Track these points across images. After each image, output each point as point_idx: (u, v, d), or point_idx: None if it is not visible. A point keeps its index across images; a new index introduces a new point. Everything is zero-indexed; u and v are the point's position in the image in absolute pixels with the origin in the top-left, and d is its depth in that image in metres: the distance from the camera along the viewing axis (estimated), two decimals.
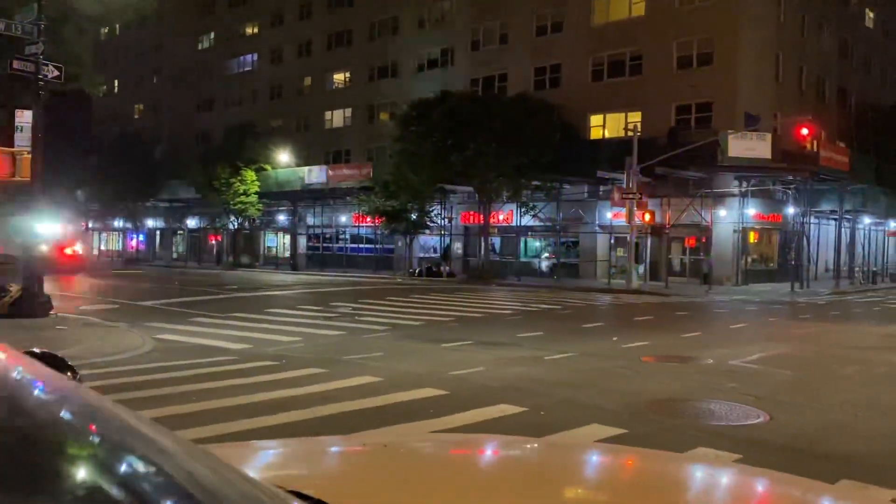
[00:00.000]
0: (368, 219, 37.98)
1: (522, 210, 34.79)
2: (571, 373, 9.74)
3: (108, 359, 10.11)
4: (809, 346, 12.90)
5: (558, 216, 34.09)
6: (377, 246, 41.59)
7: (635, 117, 33.22)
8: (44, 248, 16.71)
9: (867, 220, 36.55)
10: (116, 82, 63.81)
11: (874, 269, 36.82)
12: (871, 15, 43.30)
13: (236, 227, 46.76)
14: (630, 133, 28.69)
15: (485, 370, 9.65)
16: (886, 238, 40.59)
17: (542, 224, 35.07)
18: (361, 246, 43.54)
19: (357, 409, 7.25)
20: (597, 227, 34.13)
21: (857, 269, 34.82)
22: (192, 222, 53.62)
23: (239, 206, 43.66)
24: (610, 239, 33.47)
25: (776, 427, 6.92)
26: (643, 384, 8.99)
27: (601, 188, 32.79)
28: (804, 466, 5.55)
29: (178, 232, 56.52)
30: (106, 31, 62.20)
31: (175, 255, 55.31)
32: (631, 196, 26.90)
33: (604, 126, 36.05)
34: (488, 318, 16.48)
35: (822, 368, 10.57)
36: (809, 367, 10.67)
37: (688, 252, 32.75)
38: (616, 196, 28.18)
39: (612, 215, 31.84)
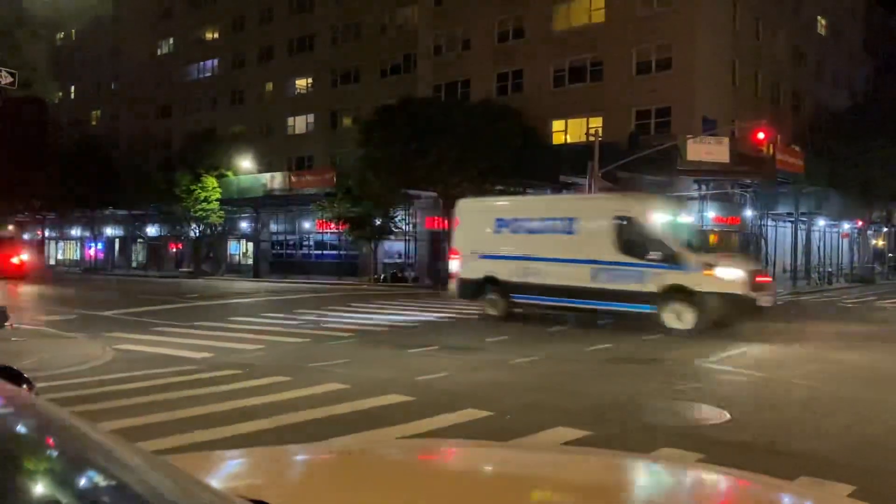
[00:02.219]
0: (332, 225, 37.77)
1: None
2: (537, 376, 9.80)
3: (67, 370, 9.88)
4: (770, 345, 13.16)
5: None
6: (341, 252, 41.38)
7: (596, 122, 33.60)
8: None
9: (822, 222, 37.47)
10: (73, 88, 62.58)
11: (829, 269, 37.76)
12: (823, 22, 44.51)
13: (197, 234, 46.10)
14: (591, 138, 29.00)
15: (451, 375, 9.65)
16: (840, 239, 41.67)
17: None
18: (325, 252, 43.27)
19: (322, 417, 7.20)
20: None
21: (812, 269, 35.65)
22: (151, 230, 52.71)
23: (200, 213, 43.06)
24: None
25: (737, 426, 7.05)
26: (608, 386, 9.08)
27: (564, 192, 33.06)
28: (764, 464, 5.66)
29: (138, 240, 55.53)
30: (62, 36, 61.00)
31: (135, 264, 54.31)
32: None
33: (566, 131, 36.39)
34: (454, 323, 16.49)
35: (782, 367, 10.79)
36: (769, 366, 10.88)
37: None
38: None
39: None
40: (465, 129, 30.63)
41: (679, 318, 14.26)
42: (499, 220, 17.31)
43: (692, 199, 31.74)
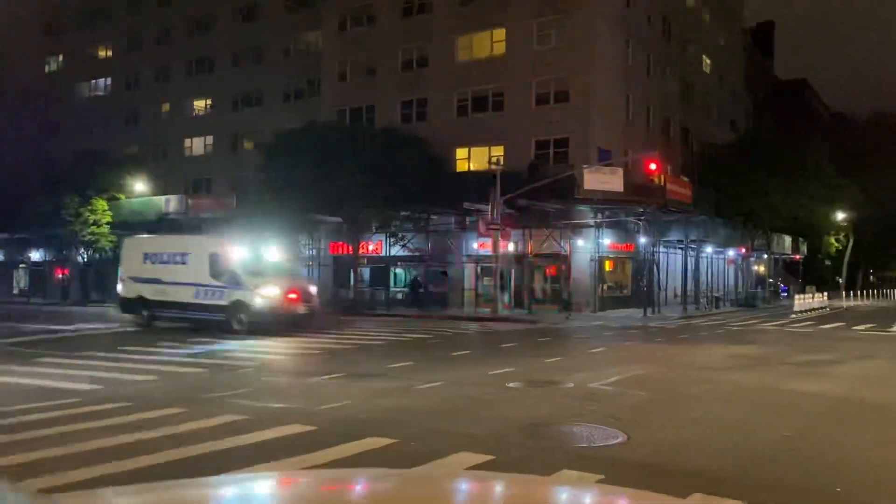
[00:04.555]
0: None
1: (392, 240, 34.92)
2: (440, 402, 9.79)
3: None
4: (662, 367, 13.68)
5: (427, 246, 34.50)
6: None
7: (498, 151, 34.34)
8: None
9: (709, 249, 39.54)
10: None
11: (717, 294, 39.82)
12: (708, 61, 47.40)
13: (86, 260, 43.77)
14: (494, 166, 29.61)
15: (354, 403, 9.51)
16: (726, 266, 44.08)
17: (411, 254, 35.34)
18: None
19: (219, 450, 6.92)
20: (464, 257, 34.81)
21: (701, 294, 37.48)
22: (35, 255, 49.64)
23: (89, 237, 40.95)
24: (476, 268, 34.23)
25: (634, 446, 7.26)
26: (510, 410, 9.17)
27: (468, 219, 33.55)
28: (660, 482, 5.84)
29: (21, 265, 52.17)
30: None
31: (16, 291, 50.94)
32: (495, 227, 27.70)
33: (469, 159, 36.99)
34: (357, 350, 16.30)
35: (675, 388, 11.22)
36: (663, 387, 11.30)
37: (549, 280, 34.05)
38: (482, 227, 28.92)
39: (478, 245, 32.62)
40: (371, 155, 30.62)
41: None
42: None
43: (589, 226, 32.84)
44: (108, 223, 40.85)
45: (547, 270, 34.01)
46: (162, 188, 43.17)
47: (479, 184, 30.30)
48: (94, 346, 16.71)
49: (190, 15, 48.33)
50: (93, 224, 40.51)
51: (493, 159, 31.76)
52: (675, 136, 41.49)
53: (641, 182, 30.50)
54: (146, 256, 22.73)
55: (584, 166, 30.31)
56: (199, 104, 48.82)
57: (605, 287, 34.18)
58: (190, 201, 39.88)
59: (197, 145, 48.24)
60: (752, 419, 8.89)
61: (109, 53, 53.17)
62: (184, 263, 21.52)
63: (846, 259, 59.61)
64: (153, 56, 49.68)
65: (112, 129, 50.59)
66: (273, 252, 22.58)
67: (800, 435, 7.98)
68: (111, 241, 41.77)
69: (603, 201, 31.08)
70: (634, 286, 35.38)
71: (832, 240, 57.16)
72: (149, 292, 22.21)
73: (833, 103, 78.34)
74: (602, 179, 30.10)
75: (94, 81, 53.69)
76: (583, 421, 8.48)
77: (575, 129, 33.67)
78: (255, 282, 20.13)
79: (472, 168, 36.33)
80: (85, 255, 43.37)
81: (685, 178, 36.30)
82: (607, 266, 34.61)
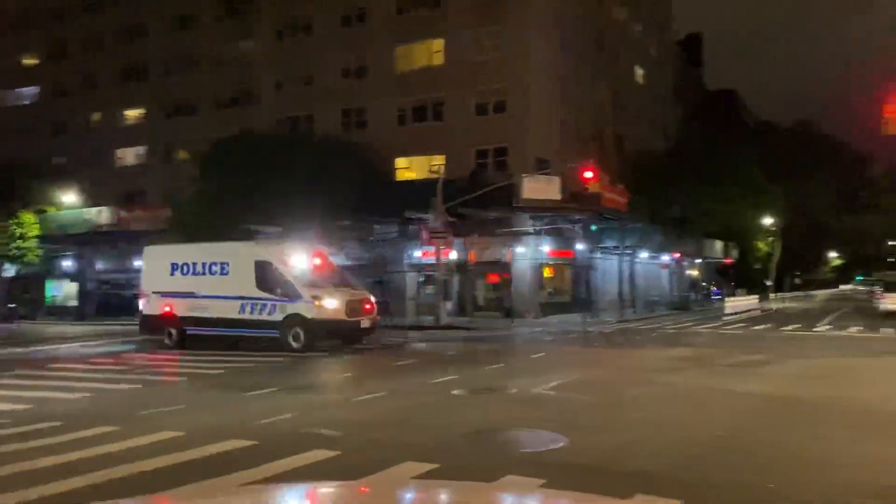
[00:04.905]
0: None
1: (333, 250, 34.59)
2: (383, 412, 9.74)
3: None
4: (602, 371, 13.92)
5: (368, 256, 34.31)
6: None
7: (439, 160, 34.49)
8: None
9: (644, 254, 40.49)
10: None
11: (652, 298, 40.78)
12: (640, 72, 48.65)
13: (12, 274, 41.99)
14: (434, 175, 29.71)
15: (294, 416, 9.37)
16: (660, 270, 45.19)
17: (352, 264, 35.06)
18: None
19: (156, 468, 6.72)
20: (406, 266, 34.76)
21: (638, 299, 38.33)
22: None
23: (14, 251, 39.32)
24: (419, 277, 34.22)
25: (576, 449, 7.36)
26: (453, 418, 9.19)
27: (409, 228, 33.53)
28: (603, 484, 5.95)
29: None
30: None
31: None
32: (437, 236, 27.77)
33: (410, 168, 37.02)
34: (295, 363, 16.08)
35: (615, 391, 11.44)
36: (604, 391, 11.50)
37: (491, 288, 34.29)
38: (424, 236, 28.95)
39: (420, 254, 32.63)
40: (310, 165, 30.33)
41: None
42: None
43: (528, 233, 33.24)
44: (35, 236, 39.31)
45: (489, 278, 34.26)
46: (93, 200, 41.78)
47: (421, 192, 30.36)
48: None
49: (120, 22, 47.04)
50: (19, 237, 38.93)
51: (434, 168, 31.89)
52: (609, 144, 42.38)
53: (578, 190, 31.06)
54: (174, 267, 20.02)
55: (523, 175, 30.70)
56: (132, 114, 47.53)
57: (546, 293, 34.61)
58: (122, 213, 38.72)
59: (129, 156, 46.92)
60: (690, 419, 9.13)
61: (35, 61, 51.32)
62: (224, 274, 19.09)
63: (774, 262, 61.84)
64: (81, 64, 48.13)
65: (39, 139, 48.71)
66: (324, 257, 20.51)
67: (734, 433, 8.23)
68: (38, 256, 40.24)
69: (542, 209, 31.51)
70: (574, 292, 35.94)
71: (761, 244, 59.26)
72: (180, 308, 19.56)
73: (759, 112, 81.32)
74: (540, 188, 30.54)
75: (17, 90, 51.70)
76: (526, 426, 8.56)
77: (513, 138, 34.08)
78: (313, 293, 17.98)
79: (413, 177, 36.36)
80: (11, 270, 41.61)
81: (620, 186, 37.12)
82: (547, 273, 35.07)
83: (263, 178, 30.07)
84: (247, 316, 18.36)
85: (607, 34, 42.60)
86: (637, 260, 39.35)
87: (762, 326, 27.56)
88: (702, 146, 45.28)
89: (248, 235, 34.43)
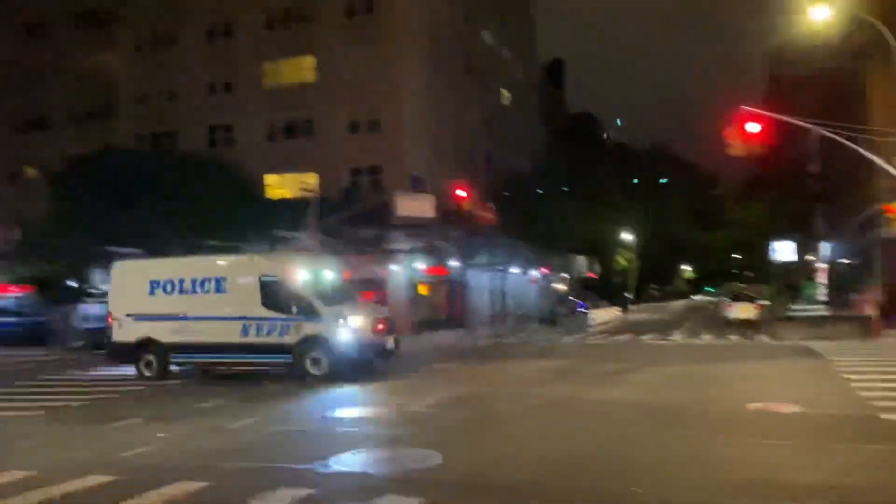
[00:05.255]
0: (13, 287, 33.13)
1: None
2: (256, 439, 9.47)
3: None
4: (477, 386, 14.15)
5: None
6: (25, 318, 36.27)
7: (312, 178, 34.07)
8: None
9: (515, 269, 41.69)
10: None
11: (523, 312, 42.00)
12: (507, 94, 50.32)
13: None
14: (307, 193, 29.31)
15: (161, 448, 8.93)
16: (530, 285, 46.66)
17: None
18: (3, 320, 37.60)
19: None
20: None
21: (509, 314, 39.34)
22: None
23: None
24: None
25: (452, 465, 7.47)
26: (328, 441, 9.07)
27: (279, 248, 32.78)
28: (476, 500, 6.07)
29: None
30: None
31: None
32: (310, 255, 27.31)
33: (282, 186, 36.32)
34: (162, 391, 15.31)
35: (489, 406, 11.68)
36: (478, 405, 11.71)
37: None
38: None
39: None
40: (175, 183, 29.11)
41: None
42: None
43: (405, 251, 33.41)
44: None
45: (363, 297, 34.02)
46: None
47: (294, 211, 29.82)
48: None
49: None
50: None
51: (307, 186, 31.40)
52: (480, 164, 43.46)
53: (451, 208, 31.60)
54: (155, 285, 17.28)
55: (398, 193, 30.90)
56: None
57: (421, 310, 34.83)
58: None
59: None
60: (560, 430, 9.47)
61: None
62: (220, 292, 16.62)
63: (633, 275, 65.40)
64: None
65: None
66: (330, 271, 18.14)
67: (602, 441, 8.63)
68: None
69: (416, 226, 31.79)
70: (449, 308, 36.39)
71: (621, 258, 62.54)
72: (164, 332, 16.83)
73: (617, 135, 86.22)
74: (415, 206, 30.88)
75: None
76: (402, 445, 8.59)
77: (388, 156, 34.24)
78: (334, 310, 15.79)
79: (285, 195, 35.67)
80: None
81: (491, 204, 38.09)
82: (423, 290, 35.34)
83: (125, 198, 28.53)
84: (251, 339, 16.00)
85: (476, 57, 43.81)
86: (508, 275, 40.43)
87: (624, 337, 29.03)
88: (567, 166, 47.37)
89: (105, 258, 32.57)
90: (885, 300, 22.18)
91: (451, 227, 32.58)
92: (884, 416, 9.00)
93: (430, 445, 8.34)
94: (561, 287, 54.07)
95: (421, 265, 33.81)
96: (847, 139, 21.77)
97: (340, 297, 16.96)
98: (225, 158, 34.14)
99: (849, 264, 36.18)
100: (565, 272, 51.39)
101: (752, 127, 21.20)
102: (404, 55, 35.21)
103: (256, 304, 16.02)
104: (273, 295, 16.02)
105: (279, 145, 36.36)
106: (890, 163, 20.85)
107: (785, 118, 23.57)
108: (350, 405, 12.01)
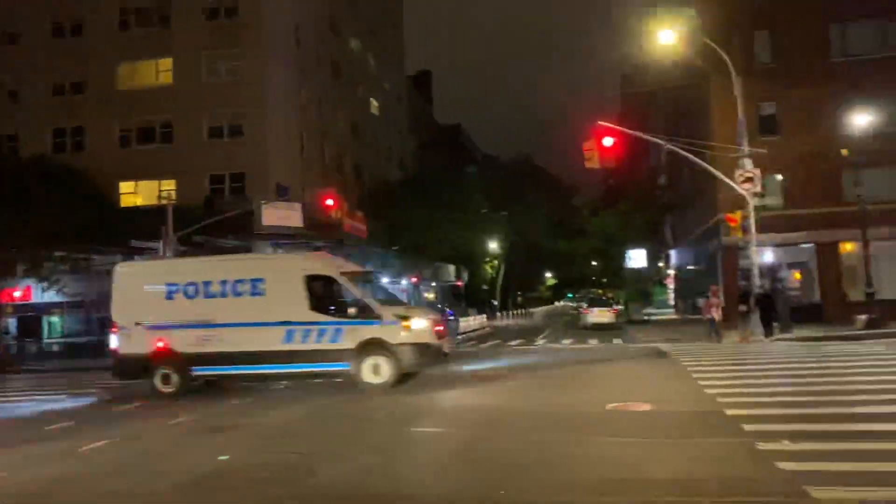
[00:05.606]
0: None
1: (44, 285, 30.85)
2: (115, 461, 8.90)
3: None
4: (345, 396, 13.94)
5: (88, 290, 31.11)
6: None
7: (169, 185, 32.60)
8: None
9: (385, 279, 41.70)
10: None
11: None
12: (376, 104, 50.42)
13: None
14: (164, 201, 27.99)
15: (3, 476, 8.19)
16: (400, 294, 46.84)
17: (70, 299, 31.58)
18: None
19: None
20: None
21: None
22: None
23: None
24: None
25: (326, 478, 7.35)
26: (191, 459, 8.66)
27: (136, 258, 31.06)
28: None
29: None
30: None
31: None
32: None
33: (137, 193, 34.49)
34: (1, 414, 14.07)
35: (357, 416, 11.58)
36: (347, 416, 11.59)
37: None
38: None
39: None
40: (15, 190, 26.90)
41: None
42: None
43: None
44: None
45: None
46: None
47: (150, 220, 28.36)
48: None
49: None
50: None
51: (164, 194, 30.01)
52: (349, 172, 43.24)
53: (320, 217, 31.22)
54: (174, 289, 15.45)
55: (263, 201, 30.13)
56: None
57: None
58: None
59: None
60: (428, 437, 9.54)
61: None
62: (257, 294, 14.96)
63: (499, 283, 67.16)
64: None
65: None
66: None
67: (469, 446, 8.75)
68: None
69: (283, 236, 31.14)
70: None
71: (487, 266, 64.08)
72: (185, 342, 15.07)
73: (484, 146, 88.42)
74: (281, 215, 30.21)
75: None
76: (272, 458, 8.35)
77: (251, 163, 33.33)
78: (394, 311, 14.65)
79: (140, 203, 33.88)
80: None
81: (360, 213, 37.97)
82: None
83: None
84: (297, 346, 14.39)
85: (344, 65, 43.61)
86: (380, 284, 40.32)
87: (491, 343, 29.75)
88: (435, 176, 48.04)
89: None
90: (726, 304, 23.99)
91: (319, 237, 32.13)
92: (729, 411, 9.70)
93: (301, 458, 8.15)
94: (430, 296, 54.65)
95: None
96: (693, 154, 23.53)
97: (386, 298, 15.95)
98: (74, 163, 32.04)
99: (695, 270, 38.95)
100: (435, 280, 51.97)
101: (608, 141, 22.46)
102: (268, 60, 34.47)
103: (302, 306, 14.54)
104: (322, 296, 14.71)
105: (135, 151, 34.58)
106: (730, 176, 22.72)
107: (636, 133, 25.15)
108: (213, 422, 11.53)
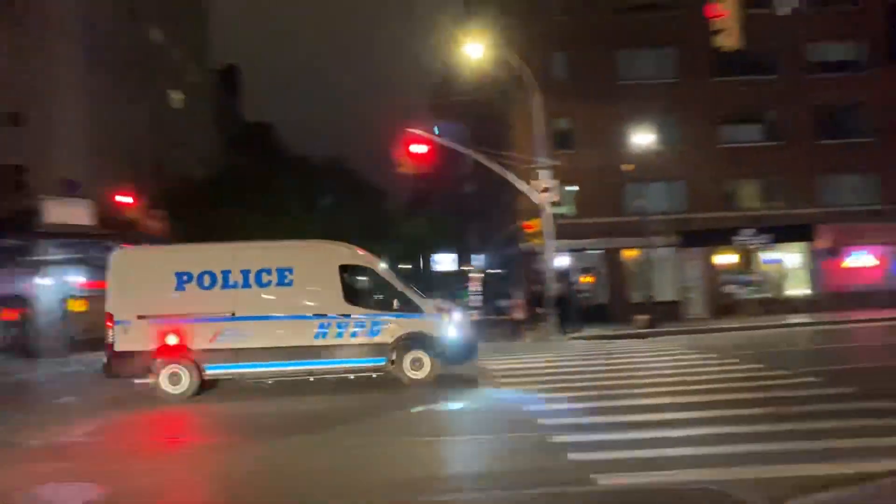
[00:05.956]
0: None
1: None
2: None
3: None
4: (138, 407, 13.12)
5: None
6: None
7: None
8: None
9: None
10: None
11: None
12: (178, 97, 47.79)
13: None
14: None
15: None
16: None
17: None
18: None
19: None
20: None
21: None
22: None
23: None
24: None
25: (120, 498, 6.93)
26: None
27: None
28: None
29: None
30: None
31: None
32: None
33: None
34: None
35: (149, 430, 10.96)
36: (139, 431, 10.91)
37: (9, 325, 29.92)
38: None
39: None
40: None
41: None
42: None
43: (55, 262, 29.86)
44: None
45: (5, 314, 29.82)
46: None
47: None
48: None
49: None
50: None
51: None
52: (147, 168, 40.60)
53: (115, 215, 29.14)
54: (185, 279, 13.52)
55: (47, 197, 27.60)
56: None
57: (76, 329, 31.39)
58: None
59: None
60: (220, 448, 9.23)
61: None
62: (284, 284, 13.54)
63: None
64: None
65: None
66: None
67: (271, 462, 8.63)
68: None
69: (71, 235, 28.72)
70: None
71: None
72: (197, 338, 13.26)
73: (296, 146, 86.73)
74: (69, 212, 27.92)
75: None
76: (56, 481, 7.70)
77: (33, 155, 30.36)
78: (434, 304, 14.22)
79: None
80: None
81: (161, 212, 35.83)
82: (78, 306, 31.83)
83: None
84: (330, 341, 13.36)
85: (143, 55, 40.93)
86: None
87: None
88: (245, 176, 46.43)
89: None
90: (525, 305, 25.50)
91: (113, 236, 29.91)
92: (526, 407, 10.39)
93: (91, 479, 7.60)
94: None
95: (76, 278, 30.48)
96: (497, 163, 24.78)
97: (416, 289, 14.88)
98: None
99: (498, 274, 40.97)
100: None
101: (418, 148, 23.07)
102: (54, 44, 31.54)
103: (337, 298, 13.54)
104: (359, 288, 14.27)
105: None
106: (529, 185, 24.21)
107: (442, 141, 26.01)
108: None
